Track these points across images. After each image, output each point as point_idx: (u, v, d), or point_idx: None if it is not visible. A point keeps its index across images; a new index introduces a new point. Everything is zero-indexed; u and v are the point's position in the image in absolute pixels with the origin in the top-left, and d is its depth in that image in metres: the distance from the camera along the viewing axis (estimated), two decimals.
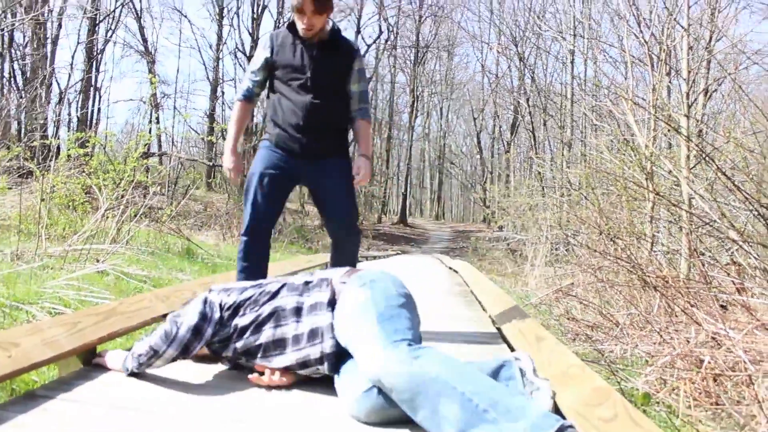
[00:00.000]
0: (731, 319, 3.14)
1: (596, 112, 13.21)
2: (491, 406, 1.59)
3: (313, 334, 2.16)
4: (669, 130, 6.38)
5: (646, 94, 7.54)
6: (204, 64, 33.37)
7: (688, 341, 2.98)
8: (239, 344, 2.25)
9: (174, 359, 2.22)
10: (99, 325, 2.48)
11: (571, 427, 1.49)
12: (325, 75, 3.10)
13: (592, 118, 13.09)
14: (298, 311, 2.22)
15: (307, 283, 2.30)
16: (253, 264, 3.15)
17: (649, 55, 6.50)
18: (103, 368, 2.34)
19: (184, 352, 2.21)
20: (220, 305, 2.28)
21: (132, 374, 2.26)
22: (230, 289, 2.36)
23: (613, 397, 1.76)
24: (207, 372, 2.41)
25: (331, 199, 3.21)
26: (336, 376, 2.12)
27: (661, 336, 3.26)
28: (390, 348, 1.81)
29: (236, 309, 2.28)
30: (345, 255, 3.25)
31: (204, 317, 2.23)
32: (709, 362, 2.69)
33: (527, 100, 30.80)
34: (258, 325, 2.23)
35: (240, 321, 2.25)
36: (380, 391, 1.84)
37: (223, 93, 33.39)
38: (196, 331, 2.21)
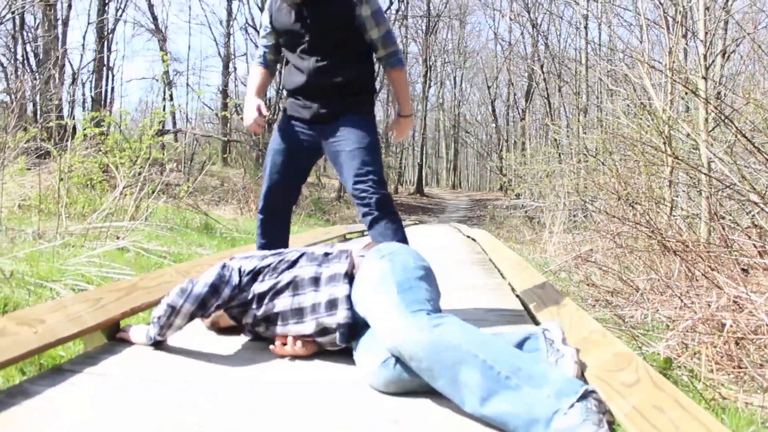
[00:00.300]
0: (753, 283, 3.12)
1: (611, 76, 13.00)
2: (513, 372, 1.58)
3: (331, 305, 2.18)
4: (686, 93, 6.28)
5: (662, 57, 7.42)
6: (215, 40, 33.42)
7: (710, 305, 2.96)
8: (258, 311, 2.27)
9: (192, 316, 2.23)
10: (121, 301, 2.51)
11: (594, 392, 1.48)
12: (325, 34, 2.86)
13: (608, 83, 12.91)
14: (316, 281, 2.23)
15: (326, 254, 2.32)
16: (270, 240, 3.04)
17: (664, 17, 6.39)
18: (128, 342, 2.38)
19: (201, 308, 2.23)
20: (239, 270, 2.30)
21: (156, 344, 2.31)
22: (251, 256, 2.39)
23: (635, 361, 1.75)
24: (230, 345, 2.43)
25: (344, 159, 2.87)
26: (354, 349, 2.13)
27: (681, 300, 3.24)
28: (410, 317, 1.81)
29: (255, 275, 2.30)
30: (383, 232, 2.80)
31: (221, 278, 2.26)
32: (731, 326, 2.67)
33: (541, 66, 30.40)
34: (276, 292, 2.25)
35: (258, 287, 2.27)
36: (398, 361, 1.84)
37: (235, 68, 33.27)
38: (213, 288, 2.24)
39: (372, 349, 1.97)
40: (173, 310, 2.21)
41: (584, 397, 1.47)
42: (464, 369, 1.65)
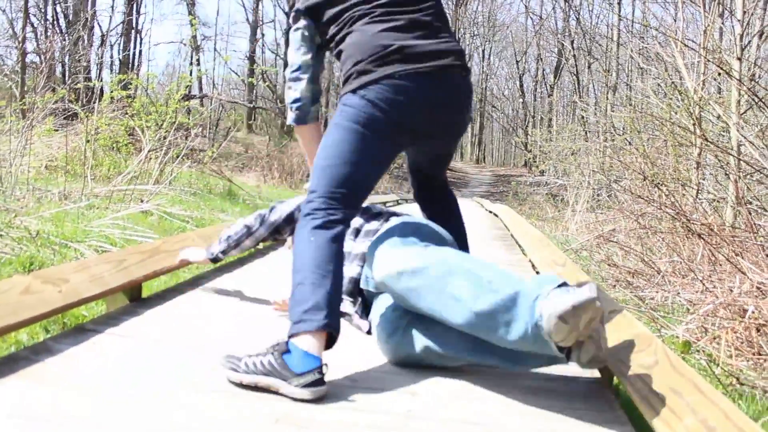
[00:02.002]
0: None
1: (643, 55, 12.78)
2: (495, 277, 1.66)
3: (359, 258, 2.30)
4: (720, 74, 6.15)
5: (697, 36, 7.27)
6: (243, 6, 33.11)
7: (732, 290, 2.93)
8: None
9: (263, 240, 2.65)
10: (144, 263, 2.54)
11: (566, 284, 1.58)
12: None
13: (639, 61, 12.68)
14: (357, 231, 2.40)
15: (378, 213, 2.46)
16: None
17: None
18: (149, 304, 2.42)
19: (275, 233, 2.64)
20: None
21: (214, 259, 2.67)
22: None
23: (654, 344, 1.74)
24: (253, 311, 2.46)
25: None
26: (372, 320, 2.15)
27: (703, 284, 3.21)
28: (402, 246, 1.90)
29: None
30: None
31: (298, 209, 2.52)
32: (753, 312, 2.64)
33: (572, 42, 29.96)
34: None
35: None
36: (404, 333, 1.90)
37: (263, 35, 33.24)
38: (289, 218, 2.61)
39: (383, 321, 1.99)
40: (248, 231, 2.62)
41: (563, 285, 1.56)
42: (452, 280, 1.70)
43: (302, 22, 2.24)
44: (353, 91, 1.98)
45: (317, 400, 1.61)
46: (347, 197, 1.95)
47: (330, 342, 1.74)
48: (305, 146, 2.35)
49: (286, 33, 2.34)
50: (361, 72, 1.98)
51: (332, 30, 2.16)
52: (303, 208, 1.95)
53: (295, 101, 2.27)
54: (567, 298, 1.48)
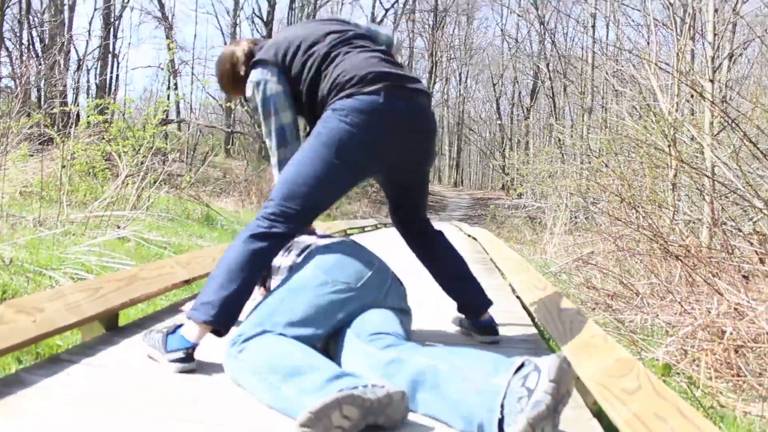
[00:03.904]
0: (754, 290, 3.10)
1: (618, 77, 12.97)
2: (285, 377, 1.67)
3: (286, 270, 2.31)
4: (693, 96, 6.25)
5: (670, 59, 7.40)
6: (221, 30, 33.18)
7: (710, 312, 2.95)
8: None
9: None
10: (121, 291, 2.50)
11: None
12: None
13: (614, 83, 12.87)
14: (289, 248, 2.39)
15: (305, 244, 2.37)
16: None
17: (673, 18, 6.36)
18: (125, 334, 2.38)
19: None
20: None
21: None
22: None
23: (636, 368, 1.74)
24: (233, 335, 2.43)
25: None
26: None
27: (682, 306, 3.23)
28: (229, 348, 1.90)
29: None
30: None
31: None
32: (731, 333, 2.66)
33: (547, 65, 30.39)
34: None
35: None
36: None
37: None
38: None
39: None
40: None
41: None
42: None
43: (273, 77, 2.28)
44: (333, 110, 2.11)
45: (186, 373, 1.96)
46: (298, 214, 2.12)
47: (217, 334, 2.08)
48: None
49: (265, 92, 2.25)
50: (343, 88, 2.12)
51: (304, 74, 2.24)
52: (264, 208, 2.14)
53: (282, 161, 2.34)
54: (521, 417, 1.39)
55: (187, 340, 2.00)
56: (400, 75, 2.18)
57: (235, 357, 1.83)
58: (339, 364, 1.95)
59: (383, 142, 2.15)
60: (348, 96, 2.10)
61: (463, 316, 2.72)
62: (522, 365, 1.51)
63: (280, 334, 1.85)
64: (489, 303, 2.65)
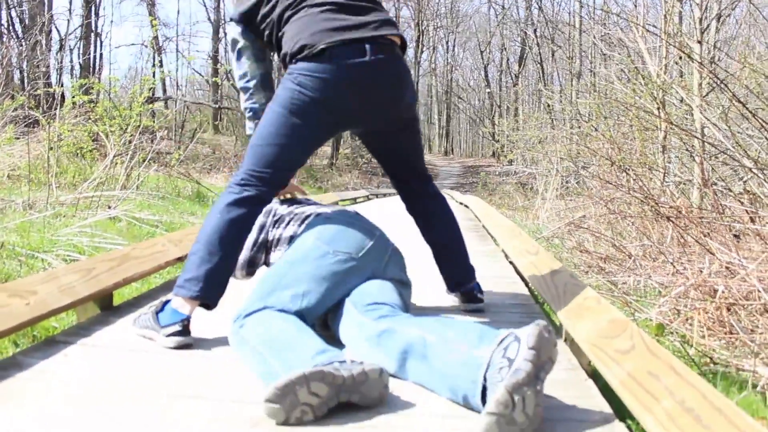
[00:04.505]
0: (745, 248, 3.13)
1: (606, 41, 12.91)
2: (275, 354, 1.66)
3: (285, 242, 2.29)
4: (681, 58, 6.24)
5: (657, 21, 7.36)
6: (204, 5, 32.63)
7: (702, 271, 2.97)
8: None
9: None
10: (114, 271, 2.50)
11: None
12: None
13: (602, 47, 12.84)
14: (282, 220, 2.36)
15: (303, 214, 2.35)
16: None
17: None
18: (121, 313, 2.38)
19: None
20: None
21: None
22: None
23: (629, 328, 1.76)
24: (227, 312, 2.43)
25: None
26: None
27: (674, 266, 3.25)
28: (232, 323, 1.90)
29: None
30: None
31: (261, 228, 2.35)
32: (723, 292, 2.68)
33: (534, 31, 30.23)
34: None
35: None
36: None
37: (225, 33, 32.70)
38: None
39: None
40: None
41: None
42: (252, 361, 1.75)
43: (238, 29, 2.34)
44: (289, 73, 2.15)
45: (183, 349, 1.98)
46: (269, 176, 2.14)
47: (207, 308, 2.11)
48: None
49: (233, 44, 2.29)
50: (294, 56, 2.13)
51: (266, 31, 2.26)
52: (233, 177, 2.18)
53: (249, 110, 2.39)
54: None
55: (180, 313, 2.01)
56: (352, 26, 2.14)
57: (236, 333, 1.84)
58: (337, 333, 1.97)
59: (340, 98, 2.14)
60: (298, 60, 2.11)
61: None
62: (504, 338, 1.52)
63: (281, 309, 1.85)
64: (471, 277, 2.64)
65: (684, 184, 5.25)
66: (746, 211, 3.51)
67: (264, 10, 2.25)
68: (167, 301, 2.06)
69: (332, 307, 2.02)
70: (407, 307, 2.12)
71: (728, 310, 2.65)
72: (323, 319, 2.04)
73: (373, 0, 2.29)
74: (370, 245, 2.11)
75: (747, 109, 3.64)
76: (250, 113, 2.39)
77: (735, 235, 3.40)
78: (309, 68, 2.09)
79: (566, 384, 1.78)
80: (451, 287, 2.67)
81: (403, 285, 2.19)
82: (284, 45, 2.19)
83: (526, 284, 3.28)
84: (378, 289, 2.01)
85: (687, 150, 5.12)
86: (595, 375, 1.84)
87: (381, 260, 2.13)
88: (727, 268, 2.88)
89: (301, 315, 1.87)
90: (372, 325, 1.82)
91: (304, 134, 2.17)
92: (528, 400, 1.37)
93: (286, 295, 1.90)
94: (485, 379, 1.48)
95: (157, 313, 2.05)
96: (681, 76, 6.96)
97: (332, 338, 1.94)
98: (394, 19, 2.47)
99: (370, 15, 2.21)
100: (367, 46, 2.12)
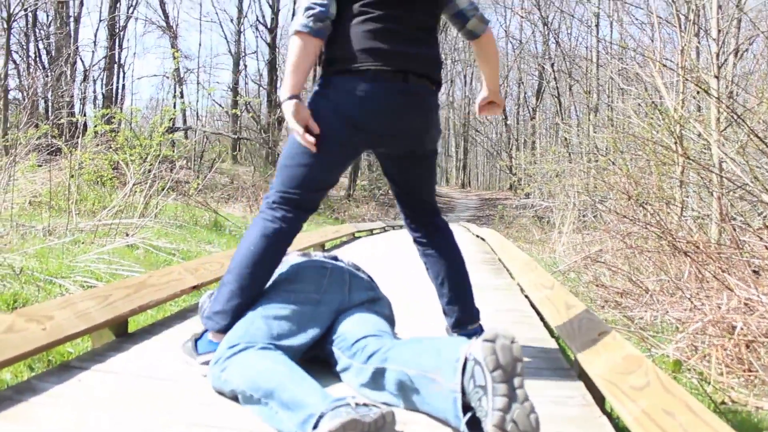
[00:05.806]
0: (764, 285, 3.09)
1: (623, 75, 12.93)
2: (266, 396, 1.64)
3: None
4: (698, 92, 6.23)
5: (674, 56, 7.37)
6: (226, 38, 33.23)
7: (720, 307, 2.94)
8: None
9: None
10: (130, 298, 2.51)
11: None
12: None
13: (619, 81, 12.83)
14: None
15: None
16: None
17: (676, 15, 6.35)
18: (136, 340, 2.39)
19: None
20: None
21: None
22: None
23: (644, 365, 1.74)
24: None
25: None
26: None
27: (691, 302, 3.22)
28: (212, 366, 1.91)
29: None
30: None
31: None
32: (742, 328, 2.65)
33: (552, 65, 30.33)
34: None
35: None
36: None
37: (245, 66, 33.20)
38: None
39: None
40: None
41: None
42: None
43: None
44: (320, 86, 2.12)
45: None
46: (299, 197, 2.12)
47: None
48: (296, 61, 2.01)
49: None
50: (334, 63, 2.09)
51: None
52: (264, 198, 2.17)
53: (310, 8, 2.01)
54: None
55: (215, 343, 2.07)
56: (396, 53, 2.08)
57: (218, 377, 1.85)
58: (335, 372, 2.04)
59: (373, 118, 2.10)
60: (336, 72, 2.09)
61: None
62: (465, 363, 1.55)
63: (262, 348, 1.86)
64: (475, 318, 2.50)
65: (702, 218, 5.21)
66: (765, 246, 3.48)
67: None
68: (206, 331, 2.15)
69: (324, 355, 2.07)
70: (389, 318, 2.21)
71: (747, 347, 2.61)
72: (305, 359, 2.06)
73: (432, 34, 2.23)
74: (326, 281, 2.15)
75: (765, 143, 3.63)
76: (313, 10, 2.00)
77: (754, 271, 3.36)
78: (348, 84, 2.06)
79: (580, 420, 1.76)
80: (453, 326, 2.50)
81: (373, 302, 2.20)
82: (330, 46, 2.09)
83: (542, 318, 3.25)
84: (354, 325, 2.03)
85: (705, 185, 5.09)
86: (609, 412, 1.82)
87: (343, 290, 2.16)
88: (746, 304, 2.84)
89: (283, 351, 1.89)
90: (364, 370, 1.87)
91: (335, 152, 2.12)
92: (519, 418, 1.43)
93: (260, 338, 1.92)
94: (465, 409, 1.54)
95: (196, 340, 2.17)
96: (698, 111, 6.95)
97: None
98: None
99: (423, 48, 2.17)
100: (411, 76, 2.11)
